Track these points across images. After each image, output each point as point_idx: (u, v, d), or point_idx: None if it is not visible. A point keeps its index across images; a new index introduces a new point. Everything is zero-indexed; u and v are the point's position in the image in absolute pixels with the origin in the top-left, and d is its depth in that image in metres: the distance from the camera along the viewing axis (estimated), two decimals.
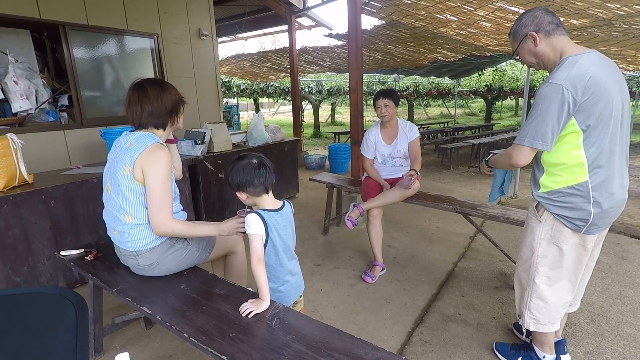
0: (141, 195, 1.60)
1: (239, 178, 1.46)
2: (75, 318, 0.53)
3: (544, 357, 1.77)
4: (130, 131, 1.70)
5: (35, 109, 3.35)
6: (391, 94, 2.80)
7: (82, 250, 1.93)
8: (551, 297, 1.65)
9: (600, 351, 1.93)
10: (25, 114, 3.30)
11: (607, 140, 1.45)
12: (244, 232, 1.63)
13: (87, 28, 3.60)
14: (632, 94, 11.98)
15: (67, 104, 3.75)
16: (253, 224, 1.43)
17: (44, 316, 0.52)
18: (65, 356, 0.50)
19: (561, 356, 1.80)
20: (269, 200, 1.51)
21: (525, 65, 1.73)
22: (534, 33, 1.53)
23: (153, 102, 1.63)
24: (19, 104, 3.19)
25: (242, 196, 1.50)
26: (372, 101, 2.93)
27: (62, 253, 1.89)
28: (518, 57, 1.68)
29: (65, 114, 3.65)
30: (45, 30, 3.66)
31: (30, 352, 0.50)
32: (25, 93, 3.24)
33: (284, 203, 1.55)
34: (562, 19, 3.91)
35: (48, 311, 0.53)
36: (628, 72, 11.72)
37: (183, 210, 1.84)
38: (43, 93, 3.46)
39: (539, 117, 1.45)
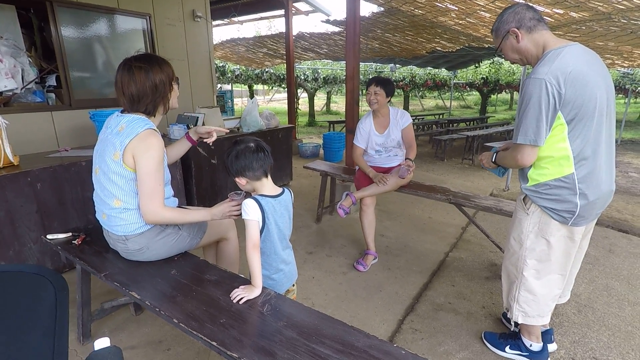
0: (131, 182, 1.55)
1: (238, 163, 1.43)
2: (55, 299, 0.50)
3: (530, 345, 1.80)
4: (122, 112, 1.62)
5: (21, 89, 3.24)
6: (385, 83, 2.74)
7: (70, 234, 1.89)
8: (540, 290, 1.67)
9: (586, 341, 1.97)
10: (10, 93, 3.19)
11: (592, 132, 1.45)
12: (237, 216, 1.60)
13: (75, 5, 3.47)
14: (626, 91, 12.05)
15: (55, 84, 3.64)
16: (250, 210, 1.40)
17: (21, 295, 0.49)
18: (42, 339, 0.48)
19: (548, 345, 1.83)
20: (268, 185, 1.49)
21: (509, 61, 1.72)
22: (515, 29, 1.53)
23: (139, 88, 1.53)
24: (4, 83, 3.08)
25: (241, 181, 1.47)
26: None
27: (49, 237, 1.85)
28: (501, 54, 1.67)
29: (52, 95, 3.54)
30: (32, 6, 3.52)
31: (4, 334, 0.48)
32: (11, 72, 3.12)
33: (283, 190, 1.53)
34: (561, 12, 3.90)
35: (25, 291, 0.50)
36: (623, 69, 11.79)
37: (174, 196, 1.80)
38: (29, 72, 3.34)
39: (528, 113, 1.44)
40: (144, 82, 1.53)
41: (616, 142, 9.11)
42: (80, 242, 1.81)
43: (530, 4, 1.56)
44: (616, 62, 7.23)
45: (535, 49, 1.53)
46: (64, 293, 0.50)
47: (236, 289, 1.39)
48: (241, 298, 1.35)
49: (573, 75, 1.38)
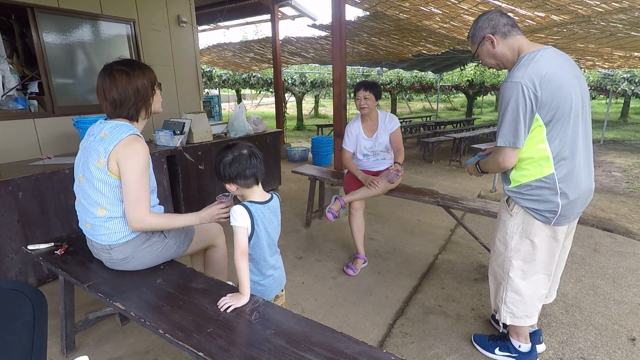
0: (116, 189, 1.52)
1: (230, 170, 1.40)
2: (33, 315, 0.48)
3: (519, 346, 1.81)
4: (105, 119, 1.60)
5: (2, 96, 3.17)
6: (373, 87, 2.76)
7: (52, 244, 1.84)
8: (526, 290, 1.69)
9: (573, 340, 1.99)
10: None
11: (569, 133, 1.49)
12: (225, 218, 1.58)
13: (58, 11, 3.42)
14: (607, 92, 12.36)
15: (38, 91, 3.56)
16: (239, 216, 1.38)
17: None
18: (19, 357, 0.46)
19: (536, 346, 1.85)
20: (258, 192, 1.47)
21: (486, 66, 1.77)
22: (491, 35, 1.58)
23: (121, 92, 1.51)
24: None
25: (232, 188, 1.45)
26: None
27: (30, 247, 1.80)
28: (479, 59, 1.70)
29: (35, 102, 3.46)
30: (13, 12, 3.45)
31: None
32: None
33: (272, 196, 1.52)
34: (543, 15, 3.99)
35: (1, 307, 0.48)
36: (603, 70, 12.10)
37: (160, 204, 1.77)
38: (10, 79, 3.27)
39: (507, 116, 1.48)
40: (125, 86, 1.51)
41: (599, 142, 9.34)
42: (62, 252, 1.77)
43: (503, 11, 1.60)
44: (597, 63, 7.43)
45: (511, 54, 1.57)
46: (43, 309, 0.49)
47: (224, 297, 1.37)
48: (229, 306, 1.33)
49: (548, 78, 1.42)
